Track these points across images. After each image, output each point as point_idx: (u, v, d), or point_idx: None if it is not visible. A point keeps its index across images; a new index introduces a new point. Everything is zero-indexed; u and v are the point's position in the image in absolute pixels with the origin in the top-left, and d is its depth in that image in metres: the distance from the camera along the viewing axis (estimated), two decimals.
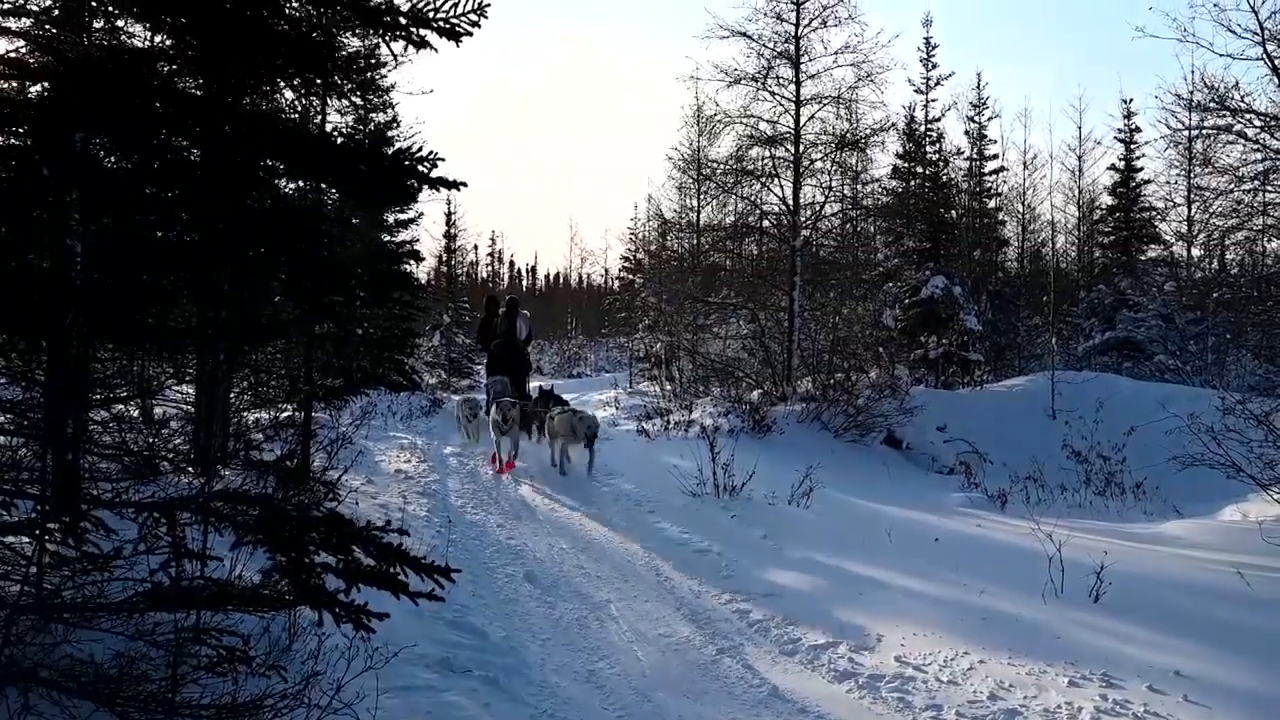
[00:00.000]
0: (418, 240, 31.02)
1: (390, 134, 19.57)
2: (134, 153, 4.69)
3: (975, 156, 36.13)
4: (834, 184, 25.83)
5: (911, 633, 7.89)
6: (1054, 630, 8.05)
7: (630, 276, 48.63)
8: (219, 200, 4.77)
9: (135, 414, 8.95)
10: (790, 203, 24.43)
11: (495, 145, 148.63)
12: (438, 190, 5.02)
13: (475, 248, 74.16)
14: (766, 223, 25.75)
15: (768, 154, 24.72)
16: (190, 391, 9.74)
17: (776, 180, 24.73)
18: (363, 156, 4.85)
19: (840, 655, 7.09)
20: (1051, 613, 8.60)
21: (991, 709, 6.47)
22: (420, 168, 4.88)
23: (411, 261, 13.56)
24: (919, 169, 32.49)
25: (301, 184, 9.44)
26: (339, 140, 4.98)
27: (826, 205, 25.69)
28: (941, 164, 33.07)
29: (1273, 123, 15.29)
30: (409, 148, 4.96)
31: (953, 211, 33.63)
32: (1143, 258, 33.38)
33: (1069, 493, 17.06)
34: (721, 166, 26.52)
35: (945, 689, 6.82)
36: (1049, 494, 16.84)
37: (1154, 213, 33.07)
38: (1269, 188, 16.30)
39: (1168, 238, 33.94)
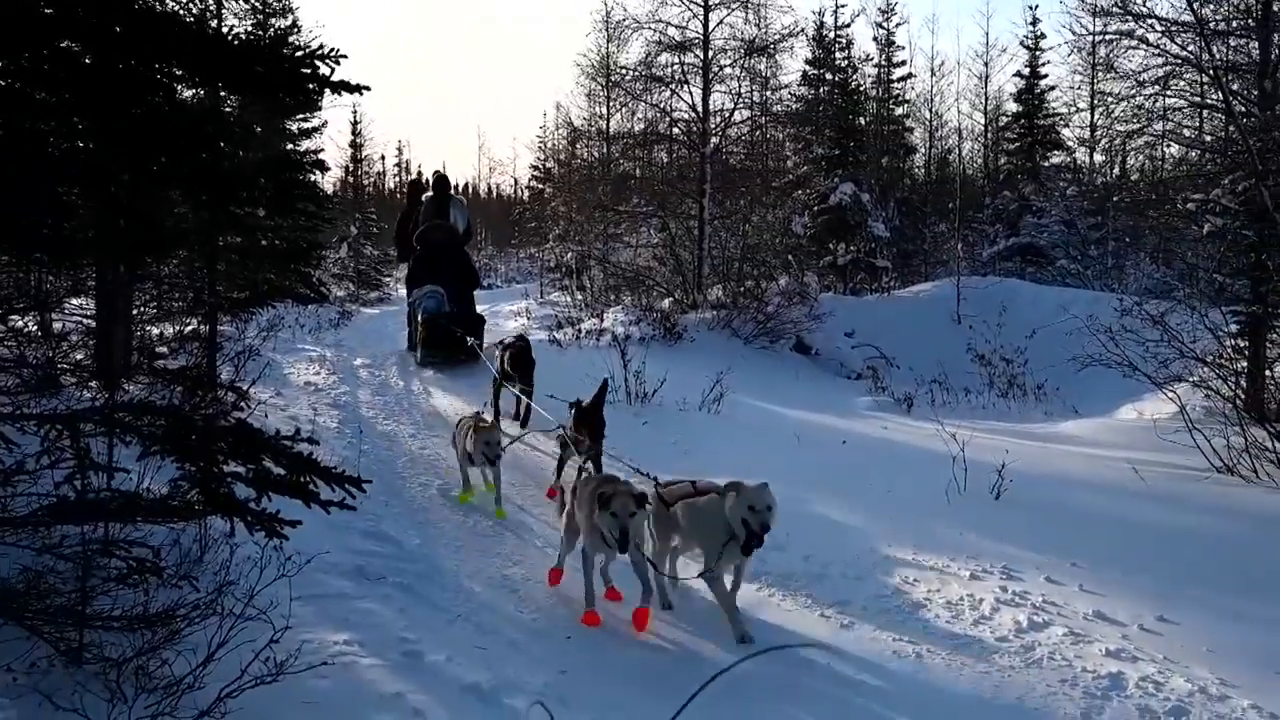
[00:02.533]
0: (322, 150, 30.44)
1: (291, 38, 19.06)
2: (20, 54, 4.51)
3: (884, 63, 36.23)
4: (743, 91, 25.79)
5: (823, 532, 8.06)
6: (957, 526, 8.28)
7: (540, 186, 48.17)
8: (113, 105, 4.62)
9: (34, 328, 8.73)
10: (700, 110, 24.32)
11: (400, 53, 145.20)
12: (339, 94, 4.90)
13: (383, 158, 72.61)
14: (676, 130, 25.59)
15: (677, 60, 24.53)
16: (90, 305, 9.52)
17: (686, 87, 24.59)
18: (261, 57, 4.71)
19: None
20: (955, 510, 8.83)
21: (896, 602, 6.66)
22: (321, 68, 4.76)
23: (316, 171, 13.24)
24: (828, 76, 32.52)
25: (199, 90, 9.16)
26: (236, 42, 4.81)
27: (736, 112, 25.66)
28: (850, 70, 33.15)
29: (1174, 27, 15.49)
30: (309, 45, 4.84)
31: (861, 119, 33.80)
32: (1046, 164, 33.84)
33: (973, 395, 17.46)
34: (630, 73, 26.29)
35: (852, 584, 6.99)
36: (954, 397, 17.22)
37: (1057, 119, 33.50)
38: (1169, 92, 16.57)
39: (1070, 144, 34.47)
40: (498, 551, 7.63)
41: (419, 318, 15.76)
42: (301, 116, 26.69)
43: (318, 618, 5.43)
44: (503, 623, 6.15)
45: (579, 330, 20.24)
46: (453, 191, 17.95)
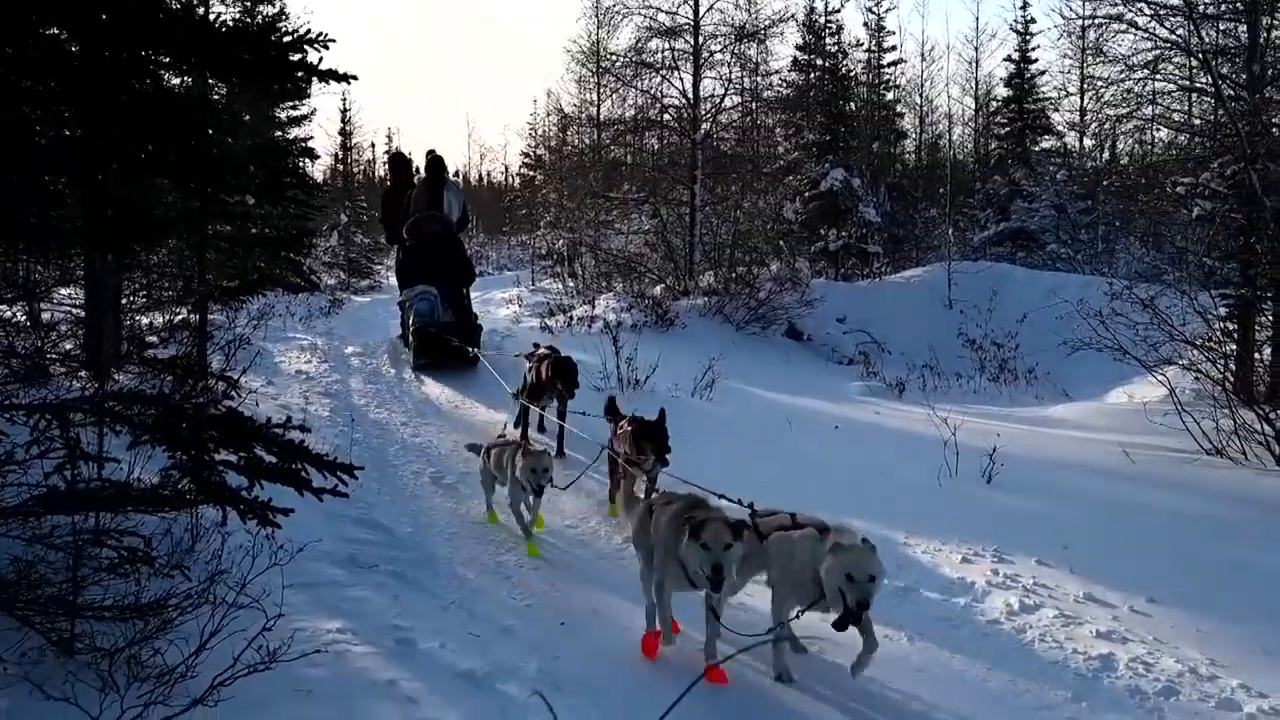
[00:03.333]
0: (312, 138, 30.34)
1: (279, 25, 18.92)
2: (6, 42, 4.49)
3: (874, 48, 36.16)
4: (734, 76, 25.68)
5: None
6: (949, 510, 8.31)
7: (531, 173, 48.09)
8: (100, 93, 4.60)
9: (22, 318, 8.69)
10: (690, 96, 24.27)
11: (390, 40, 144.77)
12: (327, 83, 4.90)
13: (372, 145, 72.23)
14: (667, 116, 25.57)
15: (667, 46, 24.49)
16: (79, 294, 9.48)
17: (676, 73, 24.56)
18: (248, 44, 4.69)
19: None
20: (946, 493, 8.87)
21: (888, 586, 6.67)
22: (310, 54, 4.75)
23: (306, 159, 13.19)
24: (818, 61, 32.45)
25: (187, 78, 9.13)
26: (223, 29, 4.80)
27: (726, 98, 25.57)
28: (840, 56, 33.05)
29: (1163, 11, 15.47)
30: (296, 29, 4.82)
31: (852, 104, 33.71)
32: (1037, 148, 33.80)
33: (964, 380, 17.50)
34: (621, 59, 26.22)
35: None
36: (945, 381, 17.25)
37: (1048, 103, 33.46)
38: (1158, 76, 16.55)
39: (1061, 128, 34.45)
40: (491, 539, 7.63)
41: (410, 322, 14.54)
42: (290, 104, 26.55)
43: (310, 606, 5.42)
44: (496, 609, 6.16)
45: (571, 317, 20.21)
46: (448, 175, 16.37)
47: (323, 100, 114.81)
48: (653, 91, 25.47)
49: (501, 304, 26.04)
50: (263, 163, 7.32)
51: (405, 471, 9.38)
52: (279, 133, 23.48)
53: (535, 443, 8.92)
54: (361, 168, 62.30)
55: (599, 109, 33.79)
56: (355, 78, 5.02)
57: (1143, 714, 5.00)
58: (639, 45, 24.79)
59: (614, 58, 27.30)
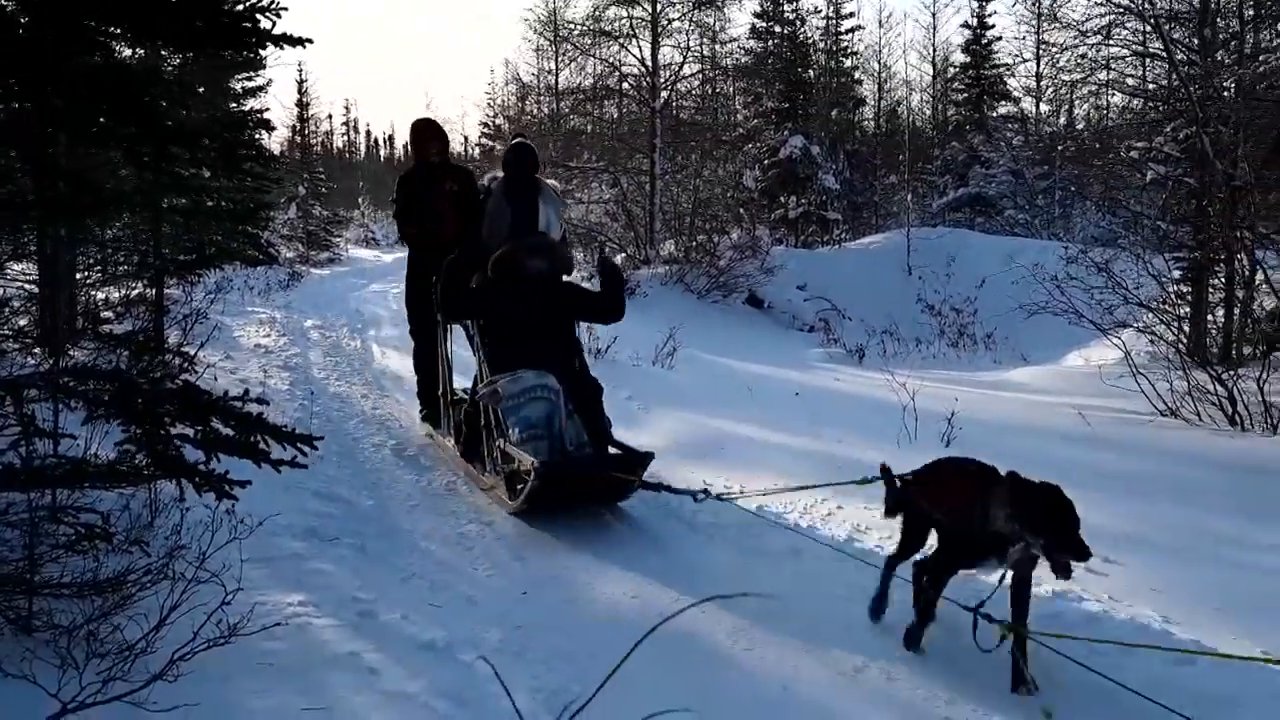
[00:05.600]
0: (268, 110, 30.02)
1: None
2: None
3: (832, 15, 36.18)
4: (692, 44, 25.68)
5: (773, 482, 8.12)
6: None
7: (490, 143, 47.80)
8: (48, 65, 4.54)
9: None
10: (649, 64, 24.26)
11: (344, 9, 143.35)
12: (281, 47, 4.85)
13: (330, 116, 71.94)
14: (626, 85, 25.51)
15: (625, 13, 24.46)
16: (32, 270, 9.38)
17: (635, 41, 24.55)
18: (200, 11, 4.64)
19: (701, 507, 7.23)
20: (905, 458, 8.88)
21: (849, 550, 6.73)
22: (262, 22, 4.70)
23: (263, 131, 13.06)
24: (777, 28, 32.39)
25: (138, 49, 9.01)
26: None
27: (685, 66, 25.60)
28: (799, 23, 33.04)
29: None
30: None
31: (810, 71, 33.74)
32: (994, 115, 34.01)
33: (923, 345, 17.65)
34: (579, 27, 26.17)
35: (804, 533, 7.05)
36: (904, 347, 17.39)
37: (1004, 69, 33.65)
38: (1112, 41, 16.68)
39: (1017, 94, 34.65)
40: (452, 510, 7.62)
41: (510, 434, 7.48)
42: (245, 75, 26.25)
43: (271, 580, 5.42)
44: (458, 580, 6.16)
45: None
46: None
47: (279, 72, 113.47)
48: (611, 60, 25.43)
49: None
50: (218, 135, 7.25)
51: (366, 444, 9.34)
52: (234, 104, 23.19)
53: None
54: (319, 139, 61.97)
55: (557, 78, 33.67)
56: (310, 41, 4.99)
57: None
58: (597, 13, 24.79)
59: (572, 26, 27.23)
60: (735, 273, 21.40)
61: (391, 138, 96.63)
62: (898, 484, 5.90)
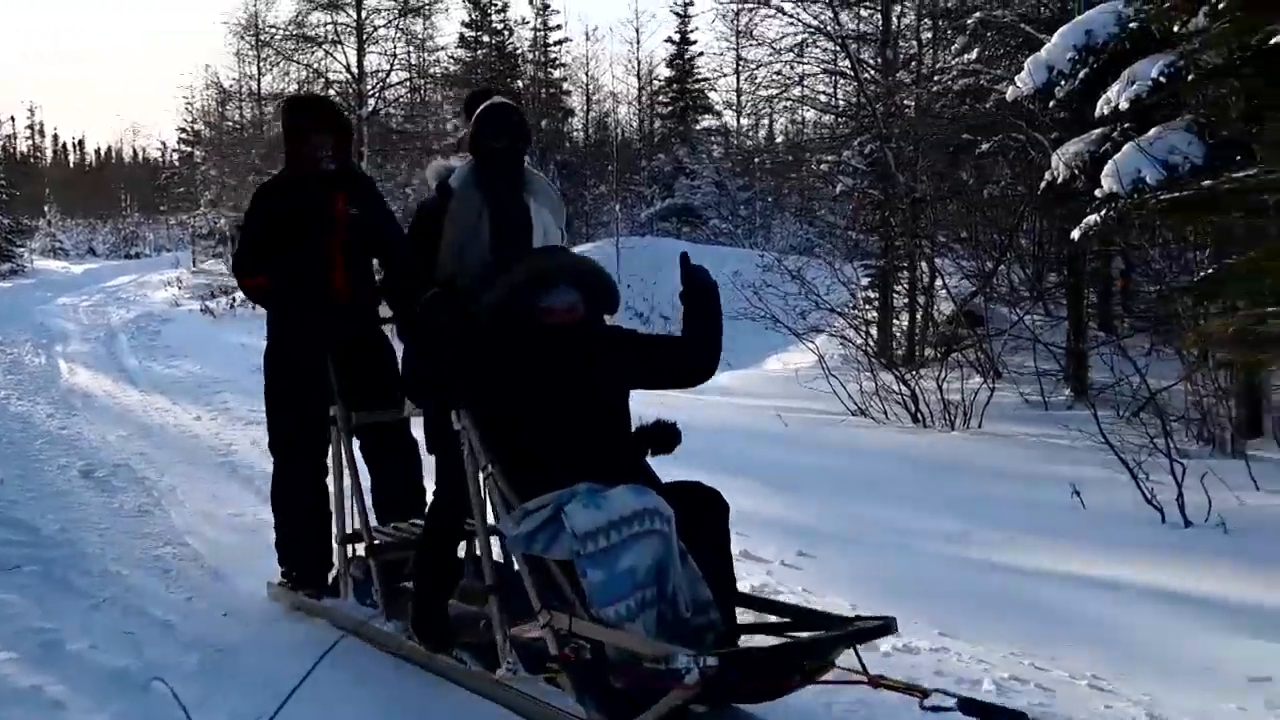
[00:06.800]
0: None
1: None
2: None
3: (540, 26, 36.46)
4: (399, 52, 25.40)
5: None
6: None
7: (189, 149, 45.76)
8: None
9: None
10: (355, 71, 23.85)
11: (32, 12, 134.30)
12: None
13: (12, 119, 67.04)
14: (332, 91, 24.97)
15: (329, 19, 24.00)
16: None
17: (340, 47, 24.07)
18: None
19: None
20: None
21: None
22: None
23: None
24: (485, 38, 32.45)
25: None
26: None
27: (393, 74, 25.29)
28: (507, 33, 33.19)
29: None
30: None
31: (519, 81, 33.92)
32: (698, 127, 35.12)
33: None
34: (281, 32, 25.47)
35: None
36: None
37: (707, 83, 34.81)
38: (804, 59, 17.55)
39: (719, 107, 35.93)
40: (145, 532, 7.24)
41: (597, 601, 3.65)
42: None
43: None
44: (153, 605, 5.86)
45: (234, 299, 19.45)
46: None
47: None
48: (315, 66, 24.86)
49: (160, 286, 24.76)
50: None
51: (51, 466, 8.79)
52: None
53: None
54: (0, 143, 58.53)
55: (259, 83, 32.60)
56: None
57: None
58: (300, 19, 24.26)
59: (274, 30, 26.49)
60: None
61: (81, 142, 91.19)
62: None
